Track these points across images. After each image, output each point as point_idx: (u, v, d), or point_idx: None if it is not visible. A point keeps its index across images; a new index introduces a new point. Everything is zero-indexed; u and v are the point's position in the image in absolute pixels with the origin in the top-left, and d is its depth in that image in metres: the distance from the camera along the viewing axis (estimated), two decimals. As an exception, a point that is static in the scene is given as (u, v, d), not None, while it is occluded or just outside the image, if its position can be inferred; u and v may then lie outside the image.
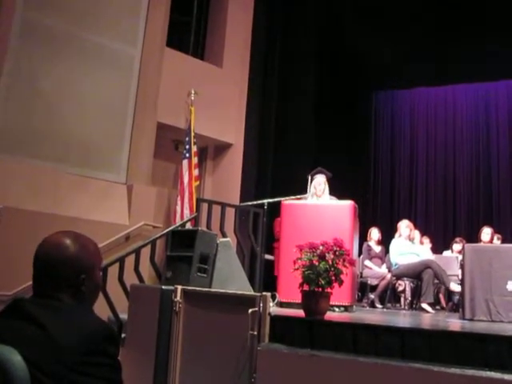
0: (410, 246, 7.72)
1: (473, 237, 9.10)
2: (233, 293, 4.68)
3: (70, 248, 1.81)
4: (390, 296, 7.96)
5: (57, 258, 1.78)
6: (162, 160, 9.10)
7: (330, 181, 6.74)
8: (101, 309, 1.97)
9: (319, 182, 6.59)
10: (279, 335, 4.16)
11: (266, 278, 6.88)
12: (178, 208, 8.38)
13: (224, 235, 6.42)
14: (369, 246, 8.64)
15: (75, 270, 1.79)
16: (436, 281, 7.38)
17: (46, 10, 7.48)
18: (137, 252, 6.01)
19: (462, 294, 5.74)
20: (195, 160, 8.65)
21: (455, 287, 7.13)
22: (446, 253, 9.37)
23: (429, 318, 6.16)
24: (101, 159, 7.88)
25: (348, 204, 6.06)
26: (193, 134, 8.65)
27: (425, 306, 7.02)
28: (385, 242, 8.72)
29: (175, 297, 4.72)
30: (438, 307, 8.18)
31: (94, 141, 7.77)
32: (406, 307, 7.87)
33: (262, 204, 6.39)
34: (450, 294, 8.14)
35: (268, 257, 8.05)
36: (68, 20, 7.65)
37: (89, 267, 1.83)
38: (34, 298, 1.75)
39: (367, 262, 8.44)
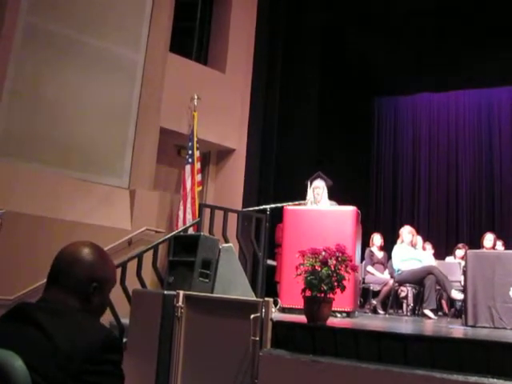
0: (412, 252, 7.71)
1: (475, 243, 9.08)
2: (235, 298, 4.67)
3: (89, 254, 1.83)
4: (392, 302, 7.95)
5: (75, 259, 1.80)
6: (165, 165, 9.11)
7: (331, 186, 6.74)
8: (103, 313, 1.96)
9: (318, 187, 6.60)
10: (281, 341, 4.16)
11: (268, 284, 6.87)
12: (181, 213, 8.38)
13: (226, 240, 6.41)
14: (371, 251, 8.64)
15: (89, 275, 1.80)
16: (438, 287, 7.37)
17: (49, 15, 7.50)
18: (139, 257, 6.00)
19: (464, 300, 5.73)
20: (198, 165, 8.65)
21: (456, 295, 7.11)
22: (449, 259, 9.36)
23: (431, 324, 6.15)
24: (103, 164, 7.88)
25: (350, 210, 6.06)
26: (195, 139, 8.65)
27: (427, 312, 7.00)
28: (387, 247, 8.71)
29: (177, 302, 4.72)
30: (440, 313, 8.17)
31: (97, 145, 7.78)
32: (409, 313, 7.85)
33: (265, 209, 6.39)
34: (452, 300, 8.12)
35: (270, 262, 8.05)
36: (71, 25, 7.67)
37: (103, 279, 1.84)
38: (40, 303, 1.75)
39: (369, 268, 8.43)
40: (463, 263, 6.86)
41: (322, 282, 4.25)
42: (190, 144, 8.65)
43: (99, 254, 1.85)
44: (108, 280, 1.87)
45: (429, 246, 9.56)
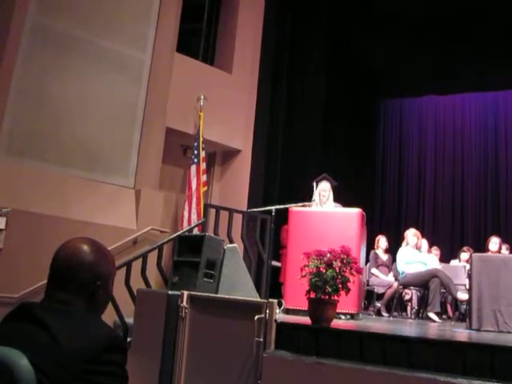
0: (417, 255, 7.69)
1: (480, 246, 9.06)
2: (239, 299, 4.68)
3: (90, 253, 1.83)
4: (396, 304, 7.93)
5: (77, 260, 1.80)
6: (171, 165, 9.11)
7: (336, 188, 6.73)
8: (107, 313, 1.97)
9: (324, 189, 6.59)
10: (285, 342, 4.16)
11: (272, 285, 6.87)
12: (186, 213, 8.38)
13: (231, 241, 6.42)
14: (376, 254, 8.62)
15: (93, 274, 1.80)
16: (443, 290, 7.35)
17: (56, 15, 7.52)
18: (144, 256, 6.01)
19: (469, 303, 5.72)
20: (203, 165, 8.65)
21: (462, 296, 7.10)
22: (454, 262, 9.34)
23: (435, 327, 6.13)
24: (109, 163, 7.89)
25: (356, 212, 6.05)
26: (201, 139, 8.65)
27: (431, 315, 6.99)
28: (392, 250, 8.70)
29: (181, 302, 4.72)
30: (444, 316, 8.15)
31: (103, 145, 7.79)
32: (413, 316, 7.85)
33: (270, 210, 6.39)
34: (456, 303, 8.11)
35: (275, 263, 8.05)
36: (78, 25, 7.69)
37: (105, 275, 1.85)
38: (44, 303, 1.75)
39: (374, 270, 8.42)
40: (468, 266, 6.85)
41: (326, 284, 4.25)
42: (195, 144, 8.65)
43: (98, 251, 1.85)
44: (110, 274, 1.89)
45: (436, 252, 9.53)
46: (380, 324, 6.07)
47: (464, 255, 9.11)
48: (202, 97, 8.83)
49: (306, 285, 4.36)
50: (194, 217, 8.29)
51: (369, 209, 8.37)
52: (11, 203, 6.64)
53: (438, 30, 10.22)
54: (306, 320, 4.44)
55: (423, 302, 7.72)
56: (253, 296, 5.31)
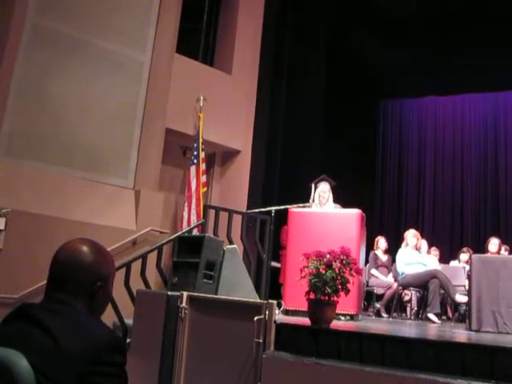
0: (416, 256, 7.69)
1: (480, 247, 9.06)
2: (238, 300, 4.67)
3: (90, 254, 1.83)
4: (395, 305, 7.93)
5: (77, 261, 1.80)
6: (170, 166, 9.11)
7: (336, 189, 6.73)
8: (106, 314, 1.97)
9: (324, 190, 6.58)
10: (285, 343, 4.16)
11: (272, 286, 6.87)
12: (185, 214, 8.38)
13: (231, 242, 6.41)
14: (375, 254, 8.62)
15: (93, 276, 1.81)
16: (442, 291, 7.35)
17: (56, 16, 7.52)
18: (143, 257, 6.00)
19: (468, 304, 5.72)
20: (203, 166, 8.65)
21: (461, 298, 7.10)
22: (453, 263, 9.33)
23: (435, 328, 6.13)
24: (109, 164, 7.89)
25: (355, 213, 6.05)
26: (201, 140, 8.65)
27: (431, 316, 6.99)
28: (392, 251, 8.69)
29: (181, 303, 4.72)
30: (444, 317, 8.14)
31: (103, 146, 7.79)
32: (412, 317, 7.85)
33: (269, 211, 6.38)
34: (456, 304, 8.10)
35: (274, 264, 8.04)
36: (78, 25, 7.68)
37: (105, 276, 1.85)
38: (43, 304, 1.75)
39: (373, 271, 8.42)
40: (468, 267, 6.85)
41: (326, 285, 4.25)
42: (195, 145, 8.65)
43: (98, 251, 1.86)
44: (110, 275, 1.89)
45: (435, 252, 9.53)
46: (379, 325, 6.07)
47: (463, 256, 9.10)
48: (202, 97, 8.82)
49: (305, 286, 4.36)
50: (193, 217, 8.29)
51: (368, 209, 8.37)
52: (11, 204, 6.64)
53: (438, 30, 10.22)
54: (305, 321, 4.44)
55: (423, 303, 7.72)
56: (252, 297, 5.31)
